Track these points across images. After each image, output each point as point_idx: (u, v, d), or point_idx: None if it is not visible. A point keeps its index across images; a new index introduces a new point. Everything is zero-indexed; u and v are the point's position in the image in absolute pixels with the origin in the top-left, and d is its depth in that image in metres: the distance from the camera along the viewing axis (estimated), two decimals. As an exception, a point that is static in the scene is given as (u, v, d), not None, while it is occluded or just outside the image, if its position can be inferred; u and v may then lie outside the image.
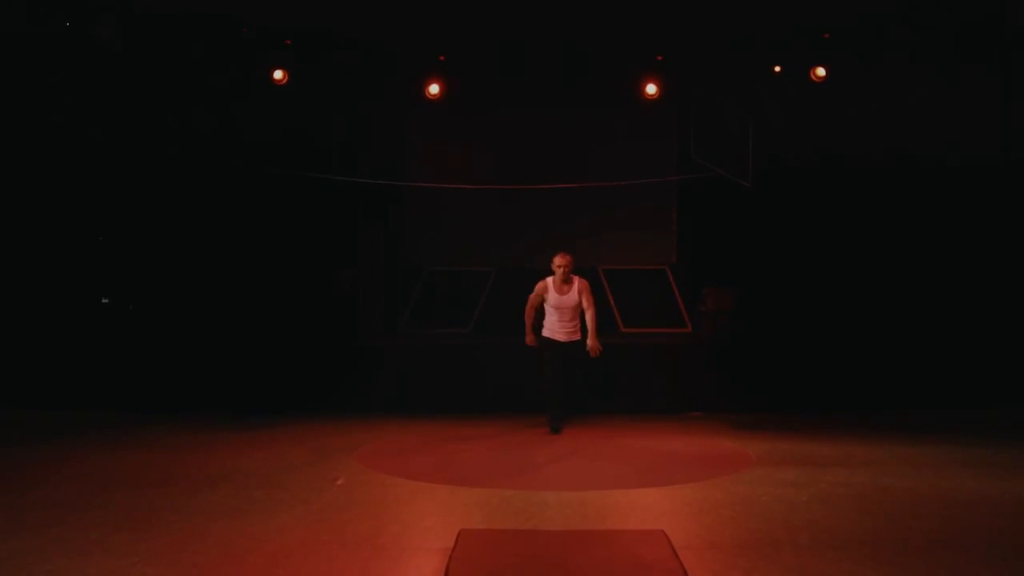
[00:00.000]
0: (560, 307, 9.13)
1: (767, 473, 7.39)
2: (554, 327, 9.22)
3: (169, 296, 12.05)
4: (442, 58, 12.28)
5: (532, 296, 9.26)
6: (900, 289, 11.63)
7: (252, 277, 12.07)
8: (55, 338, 11.28)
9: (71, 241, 11.96)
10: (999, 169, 11.51)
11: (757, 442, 8.80)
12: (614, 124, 13.01)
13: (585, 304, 9.10)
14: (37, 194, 11.66)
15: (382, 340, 12.26)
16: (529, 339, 9.26)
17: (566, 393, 9.26)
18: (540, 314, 9.32)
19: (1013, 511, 6.16)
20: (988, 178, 11.49)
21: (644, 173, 12.39)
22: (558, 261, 9.11)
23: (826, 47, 11.76)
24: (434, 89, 12.38)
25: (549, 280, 9.20)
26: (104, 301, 12.19)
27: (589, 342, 8.94)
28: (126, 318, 12.01)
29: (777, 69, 12.05)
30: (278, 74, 11.95)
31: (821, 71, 11.88)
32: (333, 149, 12.69)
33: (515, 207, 12.54)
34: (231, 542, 5.46)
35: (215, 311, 11.80)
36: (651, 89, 12.39)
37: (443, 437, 9.38)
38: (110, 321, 11.91)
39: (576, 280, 9.17)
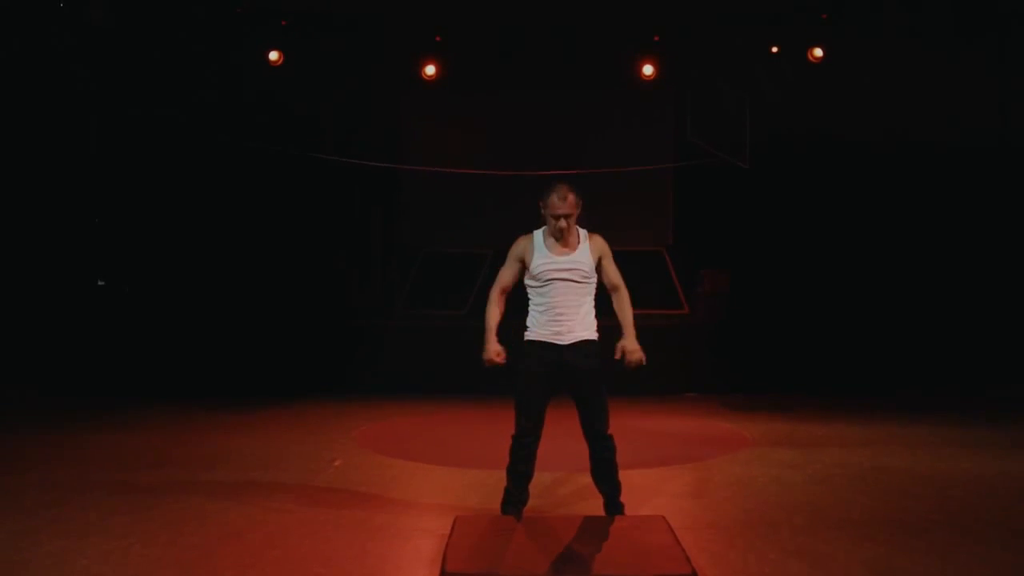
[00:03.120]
0: (560, 278, 5.31)
1: (763, 454, 7.41)
2: (547, 322, 5.36)
3: (166, 278, 12.04)
4: (438, 38, 12.23)
5: (504, 269, 5.51)
6: (898, 270, 11.63)
7: (248, 259, 12.05)
8: (51, 320, 11.26)
9: (67, 223, 11.92)
10: (998, 149, 11.49)
11: (753, 423, 8.82)
12: (611, 105, 12.97)
13: (611, 276, 5.51)
14: (32, 176, 11.61)
15: (379, 321, 12.25)
16: (492, 349, 5.40)
17: (601, 461, 5.47)
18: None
19: (1009, 491, 6.18)
20: (986, 158, 11.47)
21: (641, 154, 12.35)
22: (557, 202, 5.38)
23: (823, 27, 11.73)
24: (430, 70, 12.34)
25: (536, 234, 5.52)
26: (100, 283, 12.17)
27: (628, 345, 5.44)
28: (122, 300, 11.99)
29: (774, 49, 12.02)
30: (274, 55, 11.90)
31: (818, 51, 11.86)
32: (329, 129, 12.64)
33: (512, 188, 12.50)
34: (228, 522, 5.47)
35: (211, 293, 11.80)
36: (648, 70, 12.37)
37: (440, 418, 9.39)
38: (106, 303, 11.89)
39: (586, 235, 5.51)
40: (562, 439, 7.44)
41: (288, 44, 11.94)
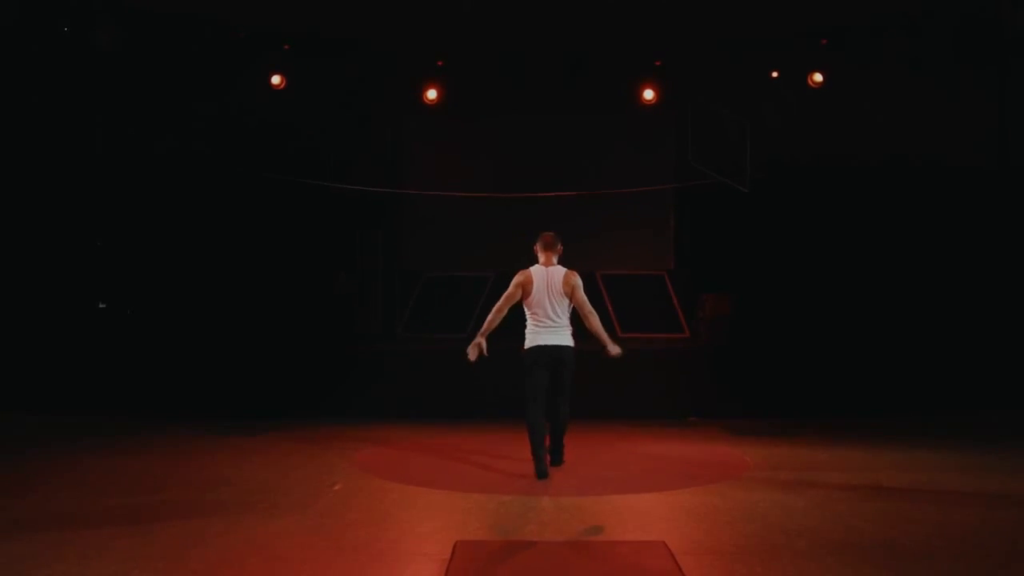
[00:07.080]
0: (546, 294, 7.22)
1: (765, 478, 7.39)
2: (539, 328, 7.25)
3: (167, 301, 12.06)
4: (440, 63, 12.31)
5: (509, 292, 7.33)
6: (898, 293, 11.64)
7: (250, 282, 12.08)
8: (53, 343, 11.27)
9: (69, 246, 11.96)
10: (996, 172, 11.53)
11: (755, 447, 8.80)
12: (612, 129, 13.05)
13: (582, 306, 7.26)
14: (35, 198, 11.66)
15: (380, 345, 12.26)
16: (475, 350, 7.15)
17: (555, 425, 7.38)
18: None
19: (1010, 516, 6.16)
20: (985, 182, 11.51)
21: (642, 178, 12.42)
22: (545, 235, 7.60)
23: (823, 52, 11.80)
24: (432, 94, 12.42)
25: (532, 270, 7.40)
26: (102, 306, 12.19)
27: (611, 349, 7.21)
28: (124, 323, 12.01)
29: (775, 74, 12.09)
30: (276, 79, 11.98)
31: (818, 76, 11.94)
32: (331, 153, 12.71)
33: (513, 211, 12.56)
34: (229, 547, 5.45)
35: (213, 316, 11.82)
36: (649, 95, 12.45)
37: (440, 442, 9.37)
38: (108, 326, 11.91)
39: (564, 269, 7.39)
40: (565, 465, 7.47)
41: (290, 68, 12.02)
